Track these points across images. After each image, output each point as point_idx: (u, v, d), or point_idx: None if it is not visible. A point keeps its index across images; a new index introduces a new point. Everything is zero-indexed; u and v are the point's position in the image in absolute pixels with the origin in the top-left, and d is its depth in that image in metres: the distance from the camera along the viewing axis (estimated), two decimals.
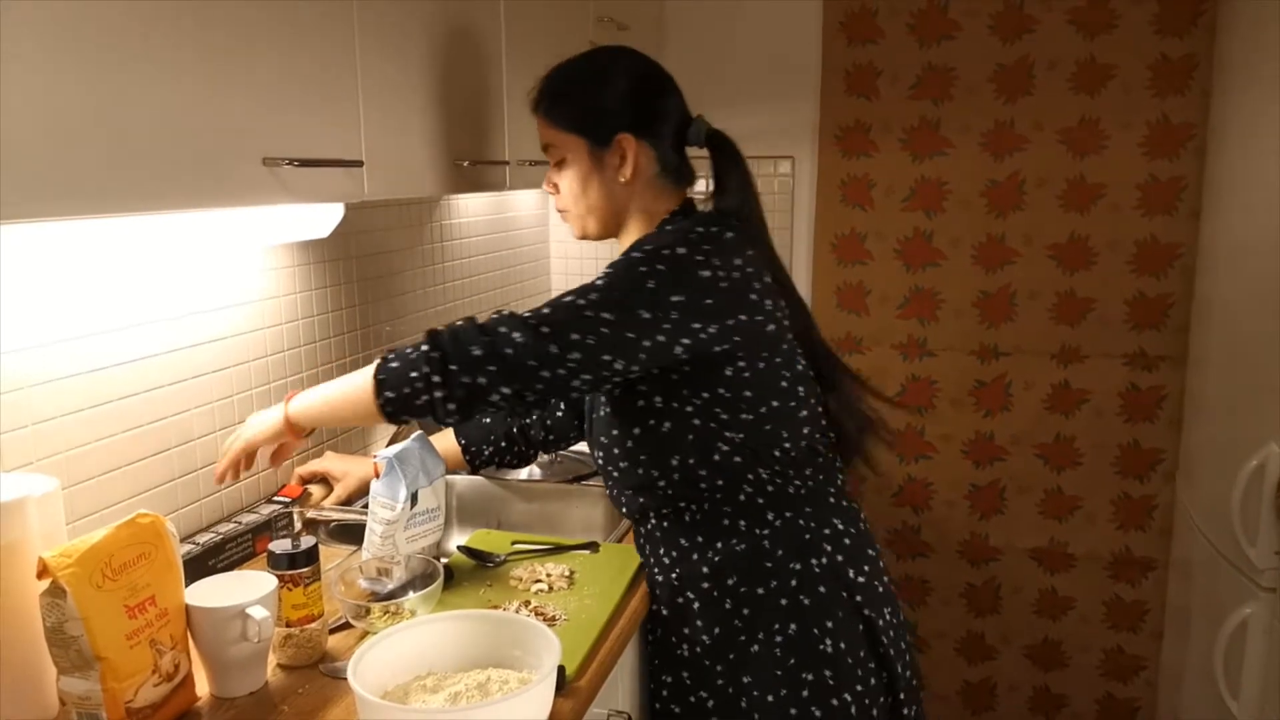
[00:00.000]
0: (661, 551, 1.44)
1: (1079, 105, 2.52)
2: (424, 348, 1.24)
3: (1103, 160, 2.53)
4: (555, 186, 1.46)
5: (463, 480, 1.92)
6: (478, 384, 1.22)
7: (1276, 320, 1.87)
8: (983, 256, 2.66)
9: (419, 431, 1.54)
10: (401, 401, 1.24)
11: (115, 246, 1.29)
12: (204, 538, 1.44)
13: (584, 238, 1.48)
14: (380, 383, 1.25)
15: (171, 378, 1.45)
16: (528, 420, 1.73)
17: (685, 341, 1.28)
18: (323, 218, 1.57)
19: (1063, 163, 2.56)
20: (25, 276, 1.21)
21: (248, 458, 1.38)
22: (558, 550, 1.57)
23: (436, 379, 1.22)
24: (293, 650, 1.23)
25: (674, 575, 1.42)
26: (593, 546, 1.58)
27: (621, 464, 1.42)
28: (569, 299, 1.27)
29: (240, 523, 1.51)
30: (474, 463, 1.73)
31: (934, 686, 2.91)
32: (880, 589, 1.42)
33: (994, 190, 2.62)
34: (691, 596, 1.40)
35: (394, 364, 1.25)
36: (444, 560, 1.44)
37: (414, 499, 1.42)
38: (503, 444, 1.73)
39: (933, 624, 2.88)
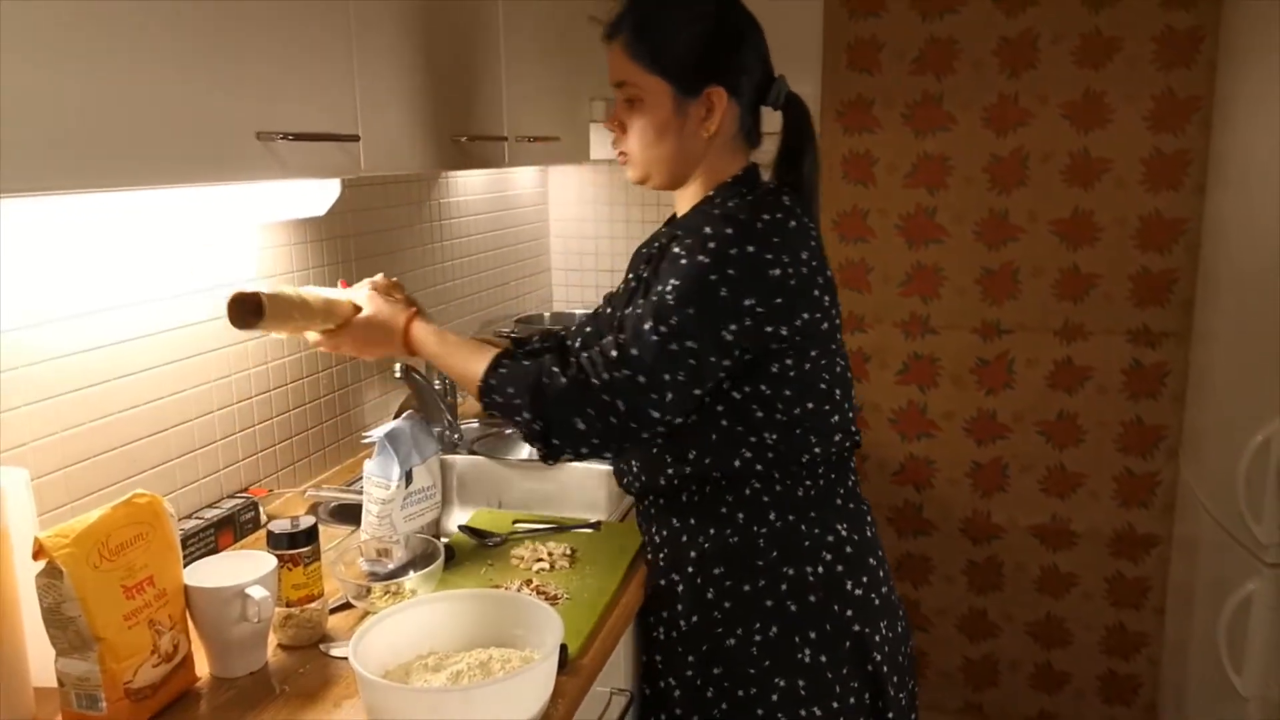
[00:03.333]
0: (653, 529, 1.42)
1: (1083, 79, 2.50)
2: (525, 415, 1.22)
3: (1107, 134, 2.51)
4: (621, 126, 1.34)
5: (463, 460, 1.91)
6: (580, 453, 1.25)
7: None
8: (985, 233, 2.64)
9: (410, 410, 1.53)
10: (500, 413, 1.27)
11: (112, 225, 1.27)
12: None
13: (641, 184, 1.39)
14: (487, 388, 1.26)
15: (167, 357, 1.44)
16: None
17: (752, 342, 1.24)
18: (319, 195, 1.55)
19: (1066, 137, 2.54)
20: (22, 254, 1.19)
21: (330, 337, 1.37)
22: (559, 529, 1.56)
23: (540, 443, 1.25)
24: (293, 630, 1.22)
25: (661, 555, 1.39)
26: (595, 525, 1.57)
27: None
28: (648, 328, 1.20)
29: (203, 518, 1.46)
30: None
31: (936, 664, 2.91)
32: (877, 601, 1.35)
33: (997, 166, 2.59)
34: (676, 579, 1.36)
35: (502, 393, 1.25)
36: (445, 540, 1.43)
37: (408, 477, 1.41)
38: None
39: (935, 601, 2.88)
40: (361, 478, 1.45)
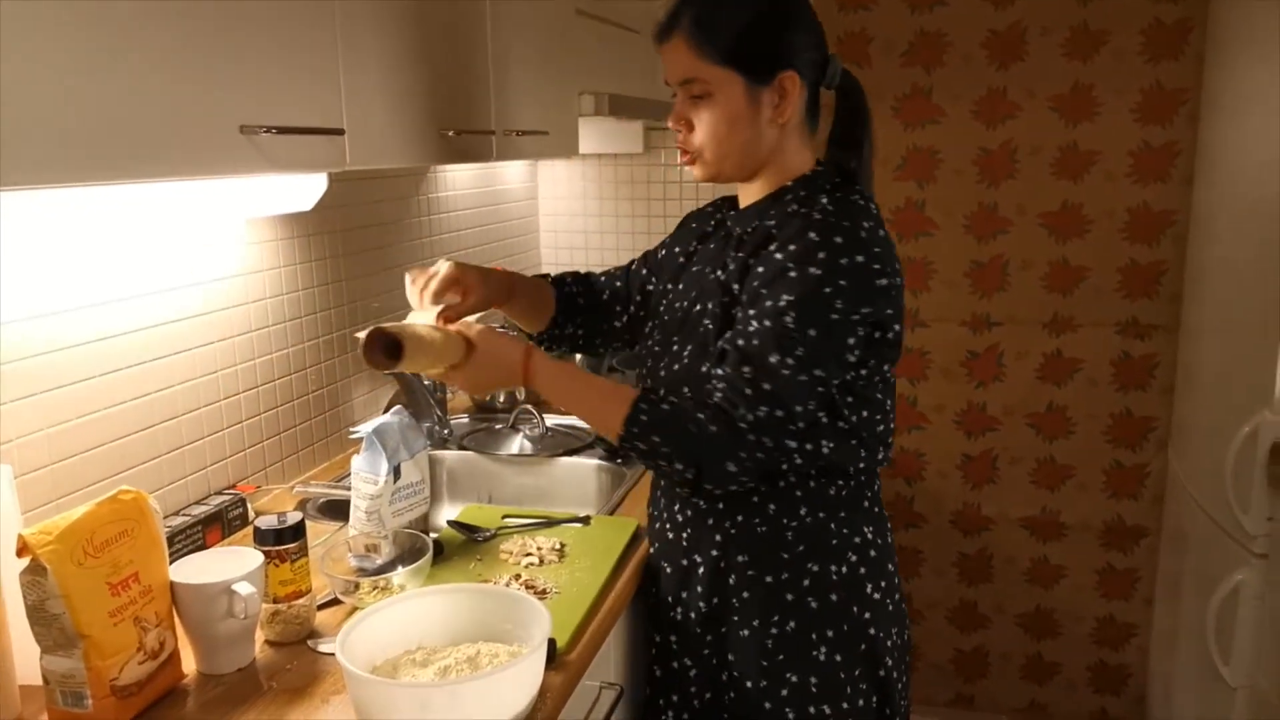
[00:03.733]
0: (676, 508, 1.38)
1: (1072, 71, 2.50)
2: (678, 465, 1.19)
3: (1095, 127, 2.51)
4: (687, 124, 1.29)
5: (453, 455, 1.91)
6: (730, 489, 1.24)
7: (1270, 288, 1.86)
8: (975, 226, 2.65)
9: (398, 406, 1.53)
10: (641, 459, 1.24)
11: (96, 220, 1.26)
12: None
13: (711, 180, 1.33)
14: (629, 436, 1.21)
15: (154, 353, 1.43)
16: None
17: (865, 353, 1.24)
18: (305, 190, 1.55)
19: (1055, 130, 2.54)
20: (5, 250, 1.19)
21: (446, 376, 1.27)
22: (549, 524, 1.56)
23: (689, 487, 1.25)
24: (280, 626, 1.21)
25: (684, 535, 1.36)
26: (584, 520, 1.57)
27: (682, 387, 1.30)
28: (776, 361, 1.17)
29: (190, 515, 1.45)
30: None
31: (927, 656, 2.92)
32: (891, 607, 1.35)
33: (986, 159, 2.60)
34: (698, 560, 1.34)
35: (646, 440, 1.20)
36: (433, 535, 1.43)
37: (397, 473, 1.41)
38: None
39: (926, 594, 2.89)
40: (350, 474, 1.45)
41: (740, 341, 1.20)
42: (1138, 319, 2.59)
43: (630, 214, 2.82)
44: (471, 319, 1.33)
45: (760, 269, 1.23)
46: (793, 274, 1.19)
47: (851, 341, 1.21)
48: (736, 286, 1.27)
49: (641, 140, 2.71)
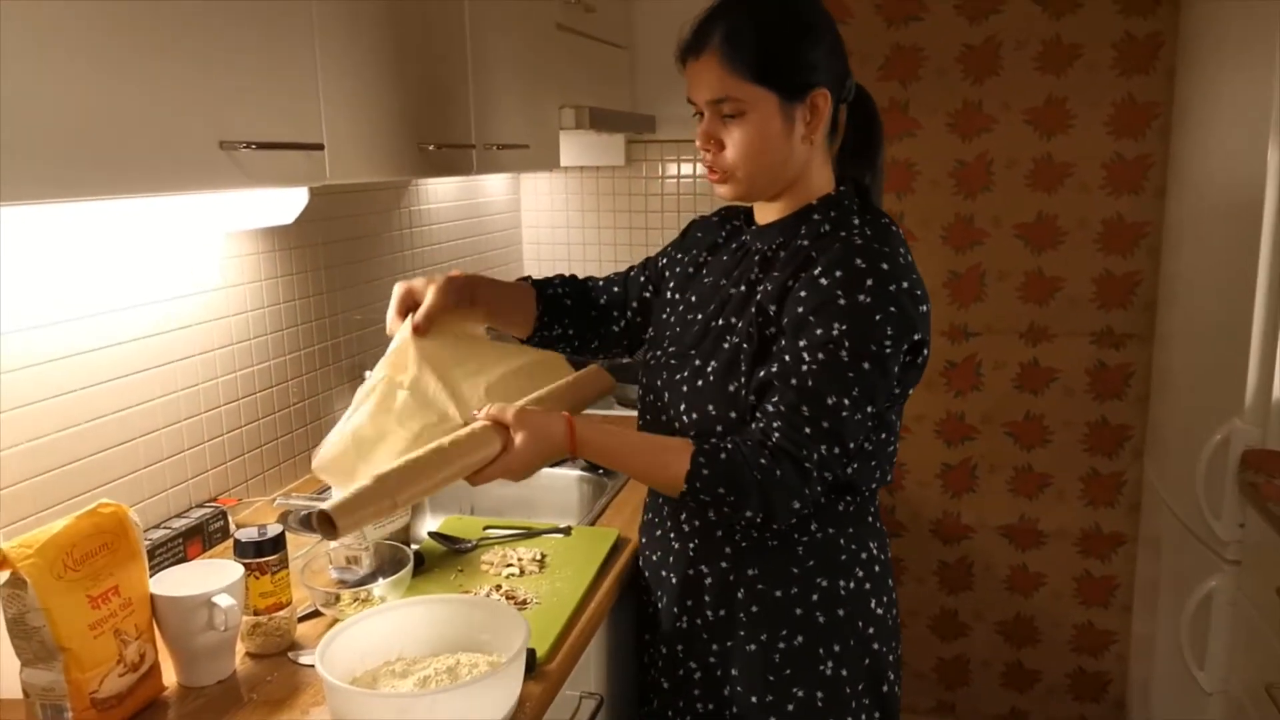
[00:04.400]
0: (683, 517, 1.36)
1: (1046, 85, 2.54)
2: (748, 512, 1.18)
3: (1069, 140, 2.55)
4: (718, 144, 1.27)
5: None
6: (792, 521, 1.25)
7: (1239, 297, 1.89)
8: (952, 237, 2.68)
9: None
10: (706, 508, 1.25)
11: (77, 234, 1.27)
12: None
13: (740, 200, 1.32)
14: (694, 490, 1.19)
15: (134, 367, 1.44)
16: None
17: (903, 378, 1.25)
18: (286, 203, 1.56)
19: (1030, 143, 2.58)
20: None
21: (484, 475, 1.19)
22: (529, 534, 1.57)
23: (756, 526, 1.27)
24: (261, 638, 1.22)
25: (691, 545, 1.35)
26: (565, 530, 1.58)
27: (702, 410, 1.29)
28: (833, 403, 1.17)
29: (171, 528, 1.45)
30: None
31: (909, 664, 2.94)
32: (891, 622, 1.37)
33: (962, 171, 2.63)
34: (705, 571, 1.33)
35: (712, 492, 1.19)
36: (415, 546, 1.43)
37: None
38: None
39: (907, 602, 2.91)
40: (331, 486, 1.45)
41: (794, 380, 1.18)
42: (1112, 329, 2.62)
43: (613, 225, 2.84)
44: (501, 406, 1.21)
45: (804, 293, 1.21)
46: (842, 301, 1.18)
47: (896, 369, 1.22)
48: (774, 308, 1.24)
49: (623, 153, 2.73)
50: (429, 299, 1.31)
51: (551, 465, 1.85)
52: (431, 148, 1.50)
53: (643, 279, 1.54)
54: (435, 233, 2.32)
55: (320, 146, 1.22)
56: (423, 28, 1.49)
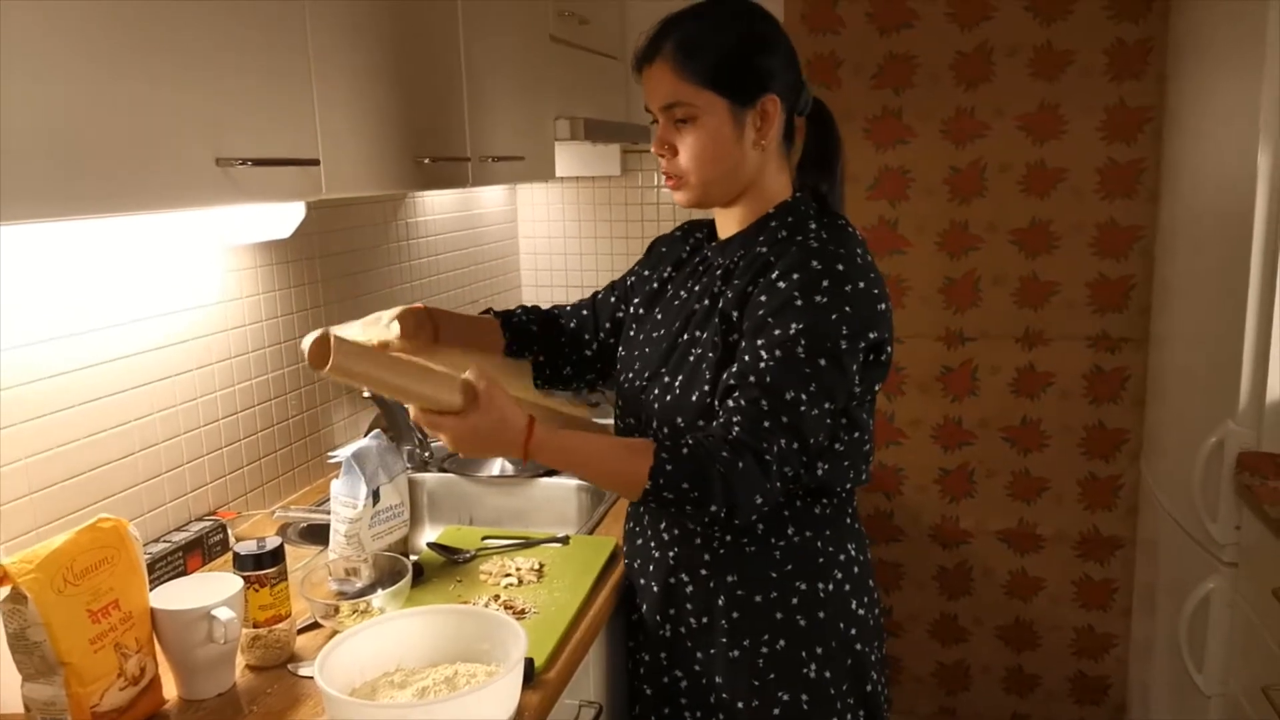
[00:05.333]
0: (662, 526, 1.37)
1: (1038, 91, 2.55)
2: (712, 507, 1.17)
3: (1062, 145, 2.56)
4: (671, 149, 1.29)
5: (433, 477, 1.92)
6: (751, 518, 1.23)
7: (1232, 299, 1.90)
8: (947, 243, 2.69)
9: (376, 430, 1.54)
10: (669, 508, 1.23)
11: (75, 250, 1.28)
12: None
13: (695, 205, 1.34)
14: (656, 488, 1.17)
15: (133, 382, 1.45)
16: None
17: (864, 377, 1.27)
18: (284, 218, 1.57)
19: (1023, 148, 2.59)
20: None
21: (432, 420, 1.17)
22: (527, 544, 1.58)
23: (720, 524, 1.27)
24: (261, 651, 1.22)
25: (671, 554, 1.36)
26: (563, 540, 1.59)
27: (673, 424, 1.30)
28: (790, 398, 1.18)
29: (170, 541, 1.46)
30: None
31: (909, 669, 2.94)
32: (872, 622, 1.37)
33: (956, 177, 2.64)
34: (685, 579, 1.34)
35: (675, 489, 1.17)
36: (413, 557, 1.44)
37: (376, 496, 1.42)
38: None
39: (906, 607, 2.91)
40: (330, 498, 1.46)
41: (753, 377, 1.20)
42: (1108, 332, 2.63)
43: (609, 235, 2.85)
44: (471, 371, 1.19)
45: (763, 297, 1.23)
46: (799, 303, 1.20)
47: (855, 367, 1.24)
48: (736, 314, 1.27)
49: (619, 163, 2.75)
50: (400, 332, 1.31)
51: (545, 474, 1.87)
52: (427, 161, 1.51)
53: (612, 299, 1.55)
54: (432, 245, 2.33)
55: (316, 162, 1.23)
56: (417, 42, 1.50)
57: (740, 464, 1.17)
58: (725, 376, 1.24)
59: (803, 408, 1.19)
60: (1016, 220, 2.63)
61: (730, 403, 1.21)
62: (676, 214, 2.75)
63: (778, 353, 1.20)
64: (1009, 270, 2.66)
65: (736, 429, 1.18)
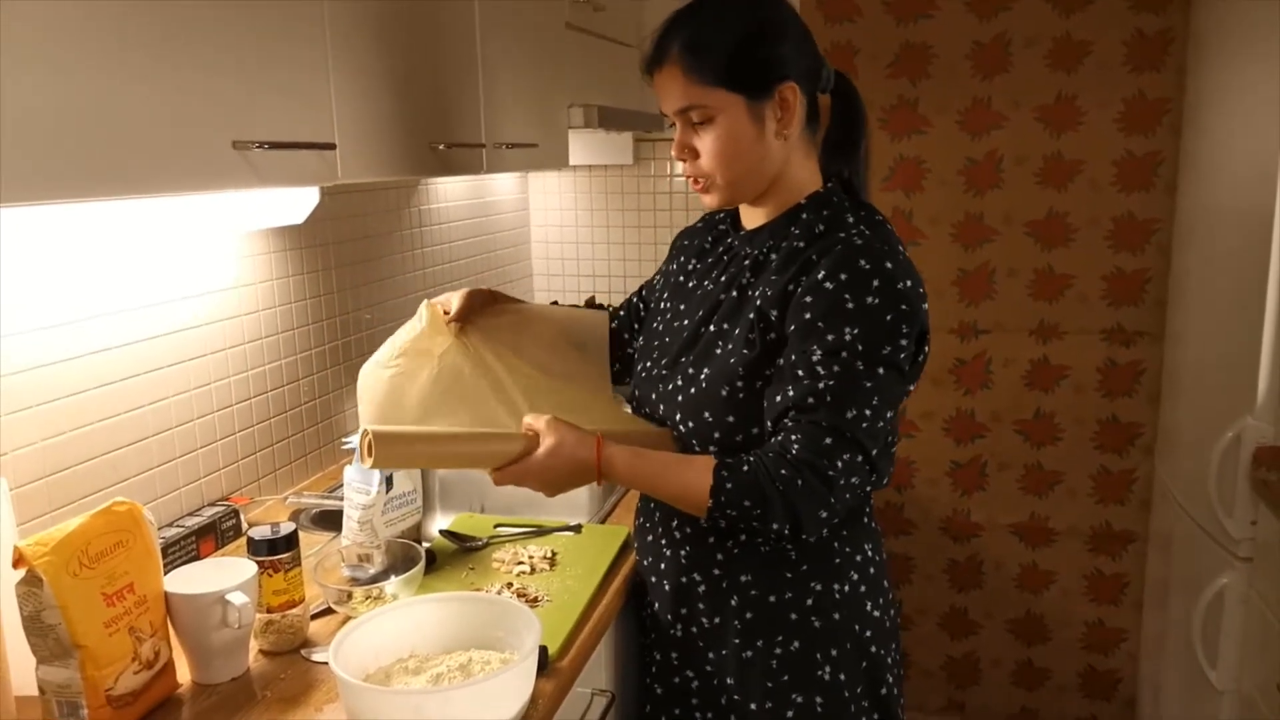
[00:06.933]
0: (674, 524, 1.34)
1: (1056, 82, 2.53)
2: (775, 526, 1.15)
3: (1080, 137, 2.54)
4: (692, 152, 1.25)
5: None
6: (821, 532, 1.22)
7: (1250, 293, 1.89)
8: (961, 235, 2.67)
9: None
10: (734, 524, 1.20)
11: (90, 234, 1.28)
12: None
13: (726, 206, 1.31)
14: (719, 506, 1.16)
15: (147, 366, 1.45)
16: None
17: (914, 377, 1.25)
18: (298, 203, 1.56)
19: (1040, 140, 2.57)
20: (5, 264, 1.20)
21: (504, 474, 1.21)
22: (540, 532, 1.58)
23: (785, 540, 1.24)
24: (274, 636, 1.23)
25: (683, 552, 1.33)
26: (576, 528, 1.58)
27: (699, 418, 1.27)
28: (852, 416, 1.15)
29: (184, 526, 1.46)
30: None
31: (919, 662, 2.94)
32: (888, 624, 1.35)
33: (972, 168, 2.62)
34: (698, 579, 1.31)
35: (738, 507, 1.16)
36: (426, 544, 1.44)
37: (389, 483, 1.42)
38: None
39: (916, 600, 2.90)
40: (343, 484, 1.46)
41: (811, 398, 1.15)
42: (1123, 326, 2.62)
43: (621, 224, 2.84)
44: (537, 418, 1.22)
45: (809, 298, 1.18)
46: (850, 305, 1.16)
47: (909, 369, 1.21)
48: (775, 313, 1.21)
49: (631, 152, 2.73)
50: (456, 303, 1.39)
51: None
52: (442, 147, 1.51)
53: (636, 300, 1.56)
54: (445, 232, 2.33)
55: (332, 146, 1.22)
56: (433, 28, 1.50)
57: (800, 481, 1.14)
58: (778, 394, 1.19)
59: (865, 424, 1.16)
60: (1032, 212, 2.61)
61: (788, 421, 1.17)
62: (689, 203, 2.74)
63: (835, 367, 1.15)
64: (1024, 263, 2.65)
65: (796, 448, 1.15)
